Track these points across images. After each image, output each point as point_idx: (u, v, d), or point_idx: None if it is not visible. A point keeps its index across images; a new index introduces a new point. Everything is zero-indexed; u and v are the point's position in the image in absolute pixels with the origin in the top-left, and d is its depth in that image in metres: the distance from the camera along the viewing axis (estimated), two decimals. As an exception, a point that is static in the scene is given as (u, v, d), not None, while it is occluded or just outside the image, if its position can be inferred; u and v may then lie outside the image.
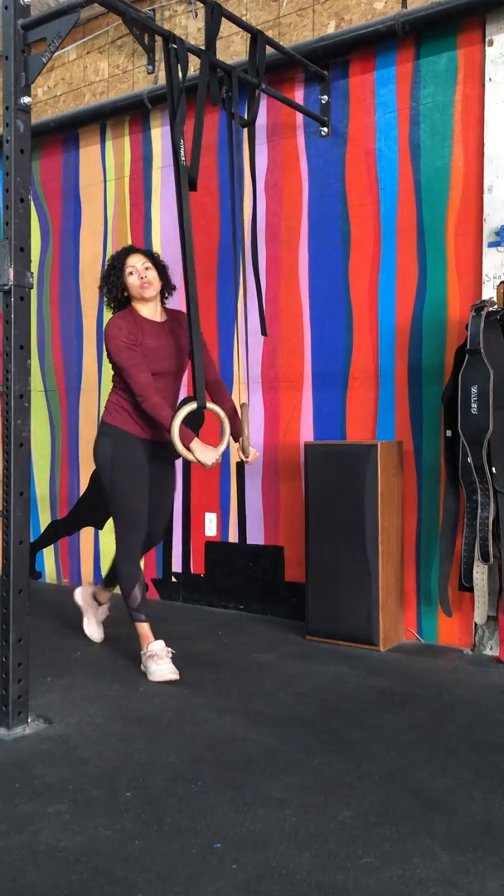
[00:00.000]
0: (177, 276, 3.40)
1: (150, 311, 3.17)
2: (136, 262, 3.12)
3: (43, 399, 5.02)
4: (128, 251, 3.18)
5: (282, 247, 4.01)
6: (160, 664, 3.04)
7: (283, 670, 3.15)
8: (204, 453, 2.93)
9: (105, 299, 3.23)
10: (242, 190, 3.21)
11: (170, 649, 3.13)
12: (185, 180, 2.92)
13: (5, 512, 2.58)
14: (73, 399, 4.88)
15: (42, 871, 1.75)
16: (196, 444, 2.94)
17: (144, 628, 3.13)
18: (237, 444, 3.23)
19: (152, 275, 3.14)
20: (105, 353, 4.68)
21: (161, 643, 3.10)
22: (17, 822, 1.97)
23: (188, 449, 2.92)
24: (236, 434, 3.20)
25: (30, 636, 2.66)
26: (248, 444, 3.18)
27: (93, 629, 3.55)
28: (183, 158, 2.91)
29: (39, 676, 3.03)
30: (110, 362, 3.12)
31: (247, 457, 3.19)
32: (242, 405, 3.17)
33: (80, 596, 3.60)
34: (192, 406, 2.92)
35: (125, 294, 3.17)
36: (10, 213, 2.56)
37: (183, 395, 4.02)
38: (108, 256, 4.66)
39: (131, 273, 3.12)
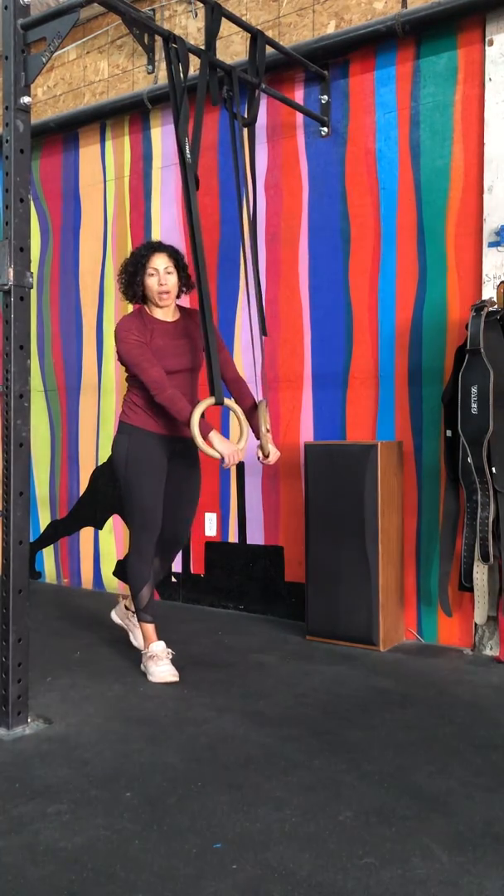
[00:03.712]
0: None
1: (163, 312, 3.11)
2: (159, 265, 3.03)
3: (43, 399, 5.02)
4: (154, 249, 3.07)
5: (282, 247, 4.01)
6: (160, 665, 3.04)
7: (283, 670, 3.15)
8: (224, 445, 2.88)
9: (121, 288, 3.14)
10: (245, 188, 3.20)
11: (170, 651, 3.13)
12: (192, 179, 2.92)
13: (5, 512, 2.58)
14: (73, 399, 4.88)
15: (42, 871, 1.75)
16: (215, 435, 2.89)
17: (149, 629, 3.12)
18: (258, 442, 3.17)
19: (172, 281, 3.05)
20: (103, 354, 4.72)
21: (162, 644, 3.10)
22: (17, 822, 1.97)
23: (207, 442, 2.88)
24: (256, 432, 3.14)
25: (30, 636, 2.66)
26: (268, 442, 3.07)
27: (140, 642, 3.28)
28: (188, 156, 2.91)
29: (39, 676, 3.03)
30: (121, 363, 3.07)
31: (266, 456, 3.07)
32: (259, 402, 3.10)
33: (117, 615, 3.44)
34: (211, 401, 2.89)
35: (141, 290, 3.10)
36: (10, 213, 2.56)
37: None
38: (107, 257, 4.70)
39: (152, 275, 3.04)
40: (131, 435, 3.07)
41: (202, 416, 2.90)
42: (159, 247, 3.09)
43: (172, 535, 3.22)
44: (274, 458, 3.09)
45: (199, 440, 2.86)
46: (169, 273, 3.05)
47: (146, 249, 3.08)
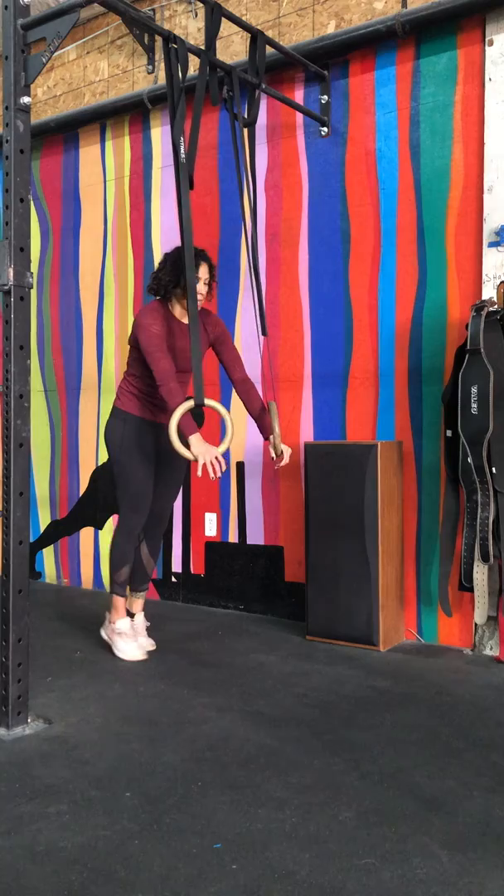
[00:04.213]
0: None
1: (182, 312, 3.21)
2: (204, 274, 3.17)
3: (43, 399, 5.02)
4: (202, 257, 3.17)
5: (282, 247, 4.01)
6: (128, 643, 3.18)
7: (283, 670, 3.15)
8: (200, 448, 2.86)
9: (156, 283, 3.20)
10: (249, 188, 3.20)
11: (147, 622, 3.30)
12: (186, 179, 2.92)
13: (5, 512, 2.58)
14: (73, 399, 4.88)
15: (42, 871, 1.75)
16: (195, 438, 2.88)
17: (119, 602, 3.27)
18: (269, 442, 3.17)
19: (206, 289, 3.20)
20: (103, 354, 4.72)
21: (128, 621, 3.24)
22: (17, 822, 1.97)
23: (187, 442, 2.87)
24: (266, 433, 3.19)
25: (30, 636, 2.66)
26: (279, 441, 3.10)
27: (145, 642, 3.40)
28: (183, 157, 2.91)
29: (39, 676, 3.03)
30: (131, 344, 3.19)
31: (277, 455, 3.12)
32: (270, 404, 3.13)
33: (104, 633, 3.46)
34: (190, 403, 2.88)
35: (174, 289, 3.18)
36: (10, 213, 2.56)
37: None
38: (107, 257, 4.70)
39: (196, 281, 3.10)
40: (125, 421, 3.22)
41: (191, 416, 2.90)
42: (205, 256, 3.21)
43: (159, 512, 3.39)
44: (287, 456, 3.14)
45: (176, 443, 2.85)
46: (206, 283, 3.20)
47: (196, 256, 3.13)
